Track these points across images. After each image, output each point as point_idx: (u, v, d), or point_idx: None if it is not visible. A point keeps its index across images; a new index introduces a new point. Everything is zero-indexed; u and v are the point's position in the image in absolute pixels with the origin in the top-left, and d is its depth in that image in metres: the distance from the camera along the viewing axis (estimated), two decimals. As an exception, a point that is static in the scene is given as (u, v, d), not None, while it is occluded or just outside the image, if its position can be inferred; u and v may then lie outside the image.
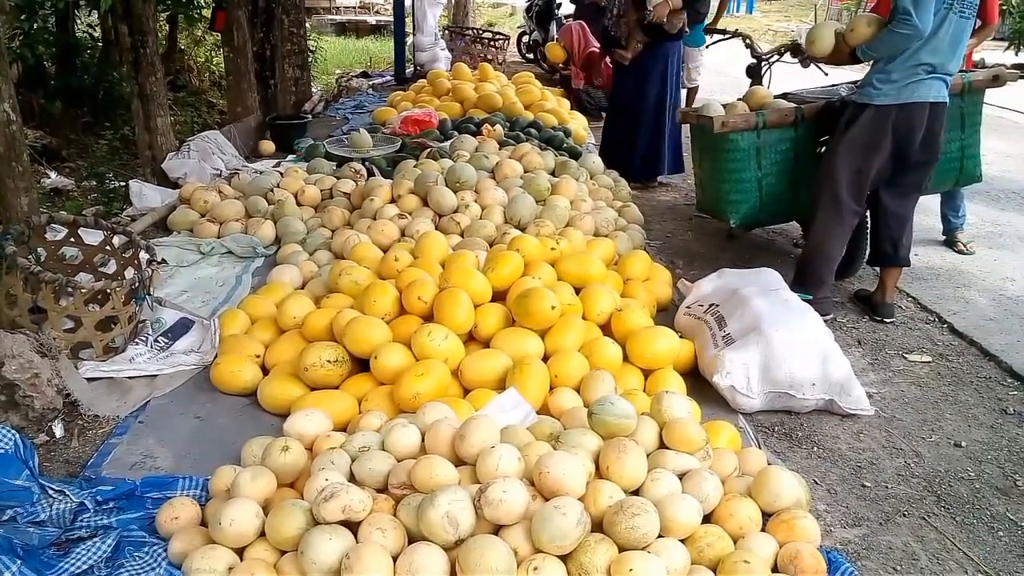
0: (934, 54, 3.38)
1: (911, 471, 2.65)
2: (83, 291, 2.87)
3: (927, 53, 3.37)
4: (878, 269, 4.00)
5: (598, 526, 1.99)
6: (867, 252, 4.05)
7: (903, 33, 3.31)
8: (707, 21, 6.62)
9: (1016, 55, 12.52)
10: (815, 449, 2.76)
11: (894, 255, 3.79)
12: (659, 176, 6.05)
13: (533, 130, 6.01)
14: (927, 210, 5.02)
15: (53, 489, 2.22)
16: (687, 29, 5.67)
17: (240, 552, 1.98)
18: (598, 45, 7.40)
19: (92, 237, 3.35)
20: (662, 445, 2.33)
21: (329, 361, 2.78)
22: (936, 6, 3.31)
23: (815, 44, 3.75)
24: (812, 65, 4.78)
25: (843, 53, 3.66)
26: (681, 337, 3.12)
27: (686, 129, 5.85)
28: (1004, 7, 11.12)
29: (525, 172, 4.75)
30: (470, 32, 11.35)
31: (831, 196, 3.67)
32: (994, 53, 12.48)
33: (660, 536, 1.97)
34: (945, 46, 3.39)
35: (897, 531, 2.35)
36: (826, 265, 3.75)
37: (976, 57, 4.65)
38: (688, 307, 3.37)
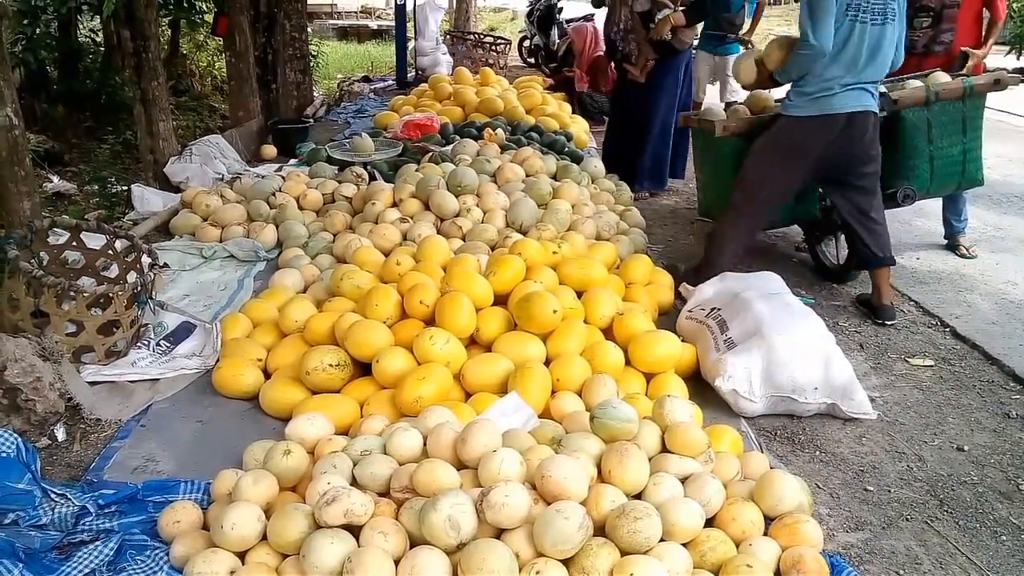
0: (846, 67, 3.42)
1: (914, 475, 2.64)
2: (85, 295, 2.87)
3: (837, 67, 3.42)
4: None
5: (600, 530, 1.99)
6: None
7: (805, 54, 3.41)
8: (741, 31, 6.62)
9: (1017, 59, 12.53)
10: (817, 453, 2.75)
11: (875, 257, 3.80)
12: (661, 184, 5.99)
13: (535, 134, 6.02)
14: (928, 214, 5.03)
15: (55, 493, 2.22)
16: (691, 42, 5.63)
17: (242, 556, 1.98)
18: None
19: (94, 241, 3.35)
20: (664, 449, 2.33)
21: (331, 365, 2.78)
22: (838, 21, 3.35)
23: (740, 77, 3.86)
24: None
25: (765, 78, 3.74)
26: (683, 341, 3.12)
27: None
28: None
29: (527, 176, 4.76)
30: (471, 37, 11.39)
31: (740, 196, 3.77)
32: (995, 57, 12.50)
33: (662, 540, 1.97)
34: (859, 57, 3.41)
35: (900, 535, 2.34)
36: (719, 256, 3.83)
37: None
38: (690, 311, 3.37)
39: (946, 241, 4.89)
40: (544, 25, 11.35)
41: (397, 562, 1.86)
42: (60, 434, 2.65)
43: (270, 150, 6.47)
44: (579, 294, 3.20)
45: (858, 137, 3.54)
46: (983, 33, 4.55)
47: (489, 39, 11.28)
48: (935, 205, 4.85)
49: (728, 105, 4.46)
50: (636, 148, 5.68)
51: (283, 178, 5.03)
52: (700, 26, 6.14)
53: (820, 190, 4.13)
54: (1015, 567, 2.24)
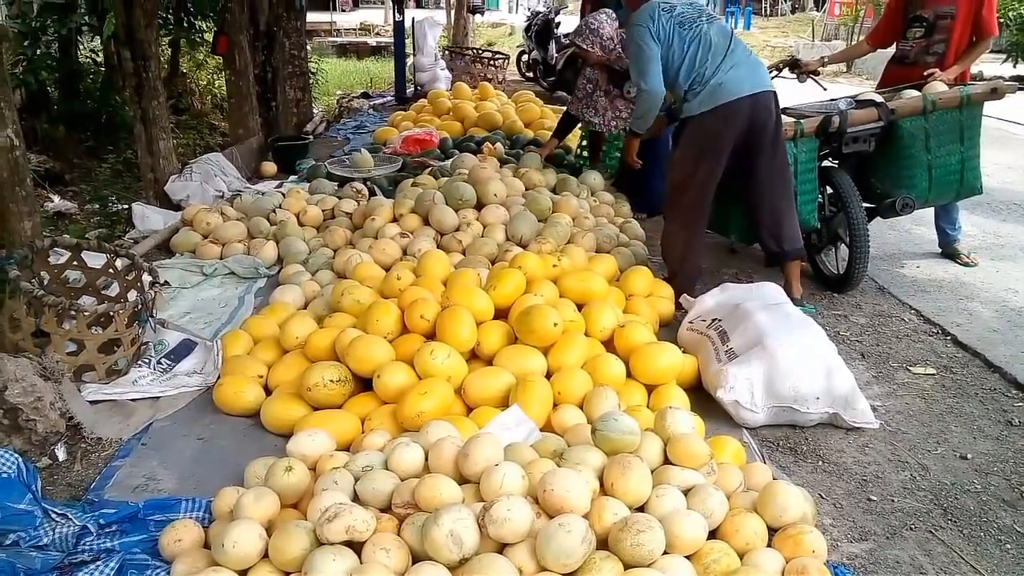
0: (711, 58, 3.57)
1: (917, 484, 2.63)
2: (86, 314, 2.87)
3: (703, 63, 3.58)
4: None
5: (603, 543, 1.98)
6: (863, 267, 4.05)
7: (644, 100, 3.75)
8: None
9: (1014, 67, 12.59)
10: (820, 463, 2.74)
11: (781, 251, 3.84)
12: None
13: (534, 147, 6.03)
14: (928, 222, 5.02)
15: (56, 513, 2.22)
16: None
17: (244, 574, 1.97)
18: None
19: (95, 260, 3.36)
20: (666, 461, 2.32)
21: (332, 381, 2.78)
22: (671, 41, 3.58)
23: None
24: (810, 80, 4.81)
25: (632, 139, 4.13)
26: (684, 352, 3.11)
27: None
28: (1002, 20, 11.20)
29: (526, 190, 4.77)
30: (470, 52, 11.43)
31: (672, 204, 3.87)
32: (992, 65, 12.55)
33: (666, 553, 1.96)
34: (716, 49, 3.57)
35: (904, 545, 2.33)
36: (675, 261, 3.95)
37: (974, 70, 4.66)
38: (691, 322, 3.37)
39: (941, 251, 4.88)
40: (542, 40, 11.41)
41: (399, 578, 1.86)
42: (61, 454, 2.65)
43: (270, 167, 6.50)
44: (580, 307, 3.20)
45: (764, 117, 3.60)
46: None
47: (487, 54, 11.30)
48: (929, 212, 4.85)
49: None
50: (645, 172, 5.48)
51: (283, 195, 5.05)
52: None
53: (818, 199, 4.15)
54: (1020, 575, 2.23)
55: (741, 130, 3.58)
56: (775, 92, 3.67)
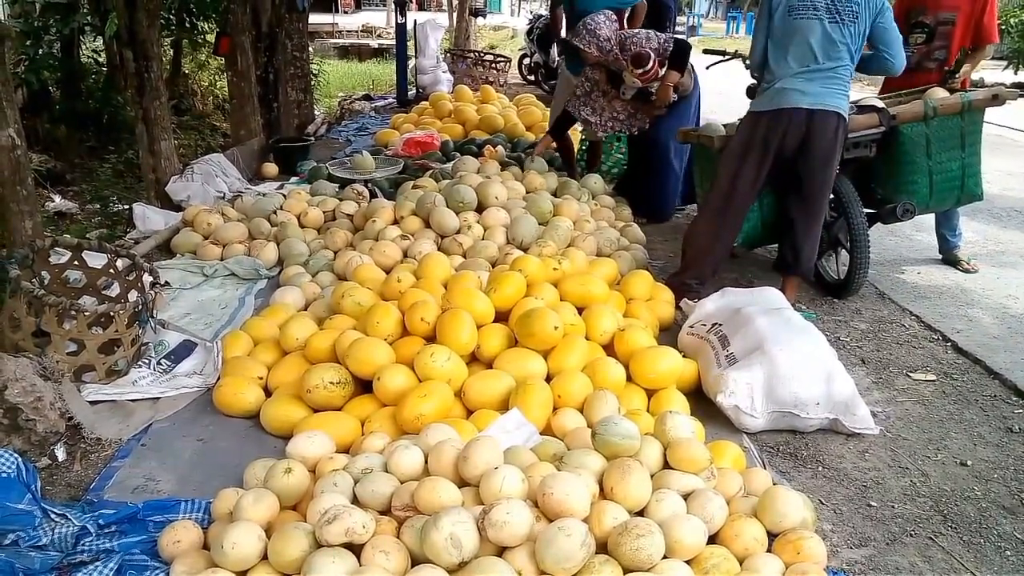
0: (794, 63, 3.56)
1: (917, 490, 2.63)
2: (86, 314, 2.87)
3: (785, 64, 3.59)
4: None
5: (602, 547, 1.98)
6: (863, 272, 4.04)
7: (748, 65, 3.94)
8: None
9: (1015, 74, 12.61)
10: (820, 469, 2.74)
11: (793, 264, 3.86)
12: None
13: (531, 150, 6.03)
14: (929, 228, 5.03)
15: (55, 513, 2.22)
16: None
17: (243, 576, 1.97)
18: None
19: (96, 260, 3.36)
20: (666, 465, 2.33)
21: (332, 383, 2.78)
22: (781, 20, 3.57)
23: None
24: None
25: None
26: (684, 356, 3.11)
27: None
28: (1003, 27, 11.22)
29: (527, 193, 4.78)
30: (472, 55, 11.43)
31: (709, 195, 3.89)
32: (993, 72, 12.57)
33: (665, 557, 1.96)
34: (806, 52, 3.54)
35: (904, 551, 2.33)
36: (695, 252, 3.92)
37: (975, 76, 4.67)
38: (691, 326, 3.37)
39: (941, 257, 4.88)
40: (544, 43, 11.41)
41: (398, 581, 1.86)
42: (60, 454, 2.65)
43: (271, 168, 6.50)
44: (580, 310, 3.20)
45: (818, 135, 3.58)
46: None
47: (489, 57, 11.30)
48: (931, 219, 4.85)
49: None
50: (646, 177, 5.45)
51: (284, 196, 5.05)
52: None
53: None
54: (1020, 583, 2.23)
55: (794, 141, 3.59)
56: (843, 116, 3.60)
